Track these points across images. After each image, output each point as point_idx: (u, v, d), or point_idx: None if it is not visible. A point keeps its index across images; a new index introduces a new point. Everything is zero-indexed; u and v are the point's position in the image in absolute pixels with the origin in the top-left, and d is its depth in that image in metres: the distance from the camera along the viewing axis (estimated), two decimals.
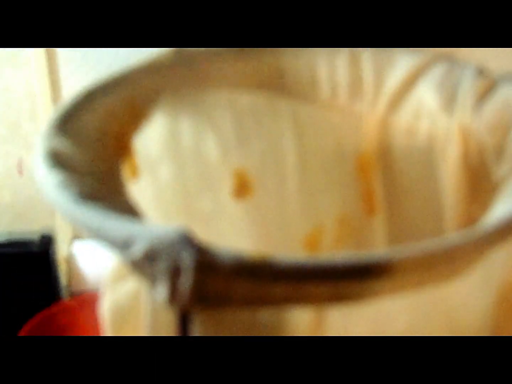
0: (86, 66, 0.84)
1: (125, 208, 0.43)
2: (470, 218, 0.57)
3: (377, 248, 0.66)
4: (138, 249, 0.36)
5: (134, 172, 0.54)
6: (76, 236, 0.94)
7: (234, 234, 0.65)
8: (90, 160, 0.47)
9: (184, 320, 0.38)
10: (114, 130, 0.53)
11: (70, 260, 0.94)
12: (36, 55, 0.84)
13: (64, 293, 0.94)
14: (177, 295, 0.36)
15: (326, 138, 0.65)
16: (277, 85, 0.63)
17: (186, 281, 0.35)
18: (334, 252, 0.67)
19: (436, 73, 0.59)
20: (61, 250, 0.93)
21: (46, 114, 0.86)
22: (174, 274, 0.35)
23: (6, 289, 0.91)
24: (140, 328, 0.44)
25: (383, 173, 0.64)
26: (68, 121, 0.49)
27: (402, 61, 0.60)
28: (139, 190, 0.54)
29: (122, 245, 0.37)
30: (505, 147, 0.53)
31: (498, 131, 0.54)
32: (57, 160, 0.44)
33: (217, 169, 0.63)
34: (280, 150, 0.65)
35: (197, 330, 0.38)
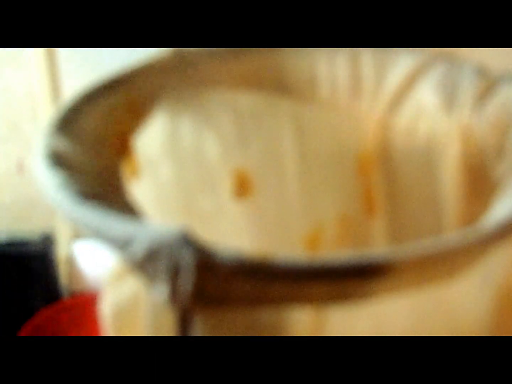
0: (86, 66, 0.84)
1: (126, 208, 0.43)
2: (470, 217, 0.57)
3: (377, 247, 0.66)
4: (138, 249, 0.36)
5: (134, 172, 0.54)
6: (76, 236, 0.94)
7: (234, 234, 0.65)
8: (90, 160, 0.47)
9: (184, 320, 0.38)
10: (114, 130, 0.53)
11: (70, 260, 0.94)
12: (36, 55, 0.84)
13: (64, 293, 0.95)
14: (177, 295, 0.36)
15: (326, 138, 0.65)
16: (277, 85, 0.63)
17: (186, 281, 0.35)
18: (334, 252, 0.67)
19: (436, 73, 0.59)
20: (61, 250, 0.93)
21: (46, 114, 0.86)
22: (174, 273, 0.35)
23: (6, 289, 0.91)
24: (140, 328, 0.44)
25: (383, 173, 0.64)
26: (68, 121, 0.49)
27: (402, 61, 0.60)
28: (139, 190, 0.54)
29: (122, 245, 0.37)
30: (505, 147, 0.53)
31: (498, 131, 0.54)
32: (58, 160, 0.44)
33: (217, 169, 0.63)
34: (280, 150, 0.65)
35: (197, 330, 0.38)
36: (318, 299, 0.37)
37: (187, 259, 0.35)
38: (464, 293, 0.42)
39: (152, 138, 0.58)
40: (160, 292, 0.36)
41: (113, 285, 0.46)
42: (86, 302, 0.89)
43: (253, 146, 0.64)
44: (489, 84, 0.55)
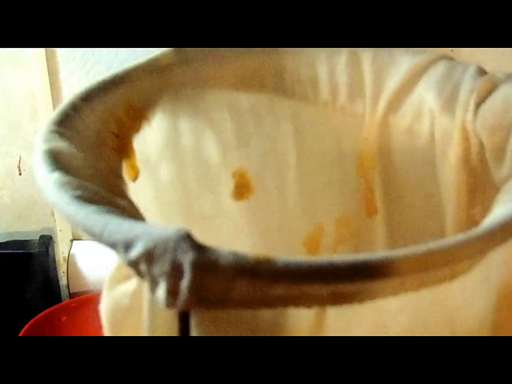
0: (86, 66, 0.84)
1: (125, 209, 0.43)
2: (471, 218, 0.57)
3: (377, 248, 0.66)
4: (137, 250, 0.36)
5: (134, 173, 0.54)
6: (75, 237, 0.94)
7: (234, 234, 0.65)
8: (90, 161, 0.47)
9: (184, 320, 0.38)
10: (113, 131, 0.53)
11: (69, 261, 0.94)
12: (36, 55, 0.84)
13: (64, 293, 0.94)
14: (176, 296, 0.36)
15: (326, 138, 0.65)
16: (277, 85, 0.63)
17: (185, 282, 0.35)
18: (334, 252, 0.67)
19: (436, 73, 0.59)
20: (61, 250, 0.93)
21: (46, 114, 0.86)
22: (174, 274, 0.35)
23: (6, 289, 0.91)
24: (140, 328, 0.44)
25: (383, 174, 0.64)
26: (68, 122, 0.49)
27: (402, 61, 0.60)
28: (139, 190, 0.54)
29: (121, 246, 0.37)
30: (506, 148, 0.53)
31: (499, 132, 0.53)
32: (57, 161, 0.44)
33: (217, 169, 0.63)
34: (280, 151, 0.65)
35: (197, 330, 0.38)
36: (318, 299, 0.37)
37: (187, 260, 0.35)
38: (465, 293, 0.42)
39: (152, 139, 0.58)
40: (160, 293, 0.36)
41: (113, 285, 0.46)
42: (85, 302, 0.88)
43: (253, 146, 0.64)
44: (489, 85, 0.55)
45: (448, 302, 0.41)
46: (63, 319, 0.88)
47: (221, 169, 0.63)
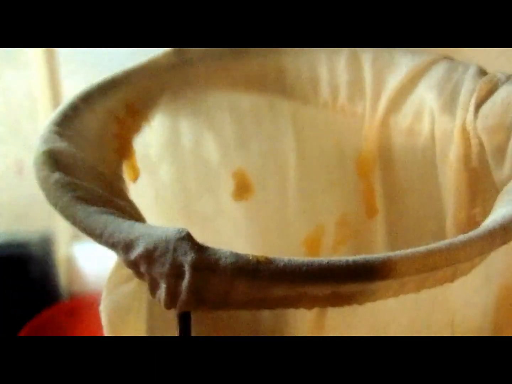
0: (86, 66, 0.84)
1: (125, 210, 0.43)
2: (472, 219, 0.57)
3: (377, 249, 0.66)
4: (137, 251, 0.36)
5: (134, 174, 0.54)
6: (76, 237, 0.94)
7: (234, 235, 0.65)
8: (90, 162, 0.47)
9: (184, 320, 0.38)
10: (113, 131, 0.53)
11: (69, 261, 0.94)
12: (36, 55, 0.84)
13: (64, 294, 0.94)
14: (176, 296, 0.36)
15: (326, 138, 0.65)
16: (277, 86, 0.63)
17: (185, 283, 0.35)
18: (334, 253, 0.67)
19: (437, 73, 0.59)
20: (61, 251, 0.93)
21: (46, 114, 0.86)
22: (174, 275, 0.35)
23: (6, 290, 0.91)
24: (140, 328, 0.44)
25: (383, 174, 0.64)
26: (68, 122, 0.49)
27: (403, 61, 0.60)
28: (139, 191, 0.54)
29: (121, 247, 0.37)
30: (506, 149, 0.53)
31: (500, 132, 0.53)
32: (57, 161, 0.44)
33: (217, 170, 0.63)
34: (280, 151, 0.65)
35: (197, 330, 0.38)
36: (318, 300, 0.37)
37: (187, 260, 0.35)
38: (465, 293, 0.42)
39: (152, 139, 0.58)
40: (160, 293, 0.36)
41: (113, 285, 0.46)
42: (86, 303, 0.89)
43: (253, 146, 0.64)
44: (490, 85, 0.55)
45: (448, 302, 0.41)
46: (63, 319, 0.88)
47: (221, 169, 0.63)
